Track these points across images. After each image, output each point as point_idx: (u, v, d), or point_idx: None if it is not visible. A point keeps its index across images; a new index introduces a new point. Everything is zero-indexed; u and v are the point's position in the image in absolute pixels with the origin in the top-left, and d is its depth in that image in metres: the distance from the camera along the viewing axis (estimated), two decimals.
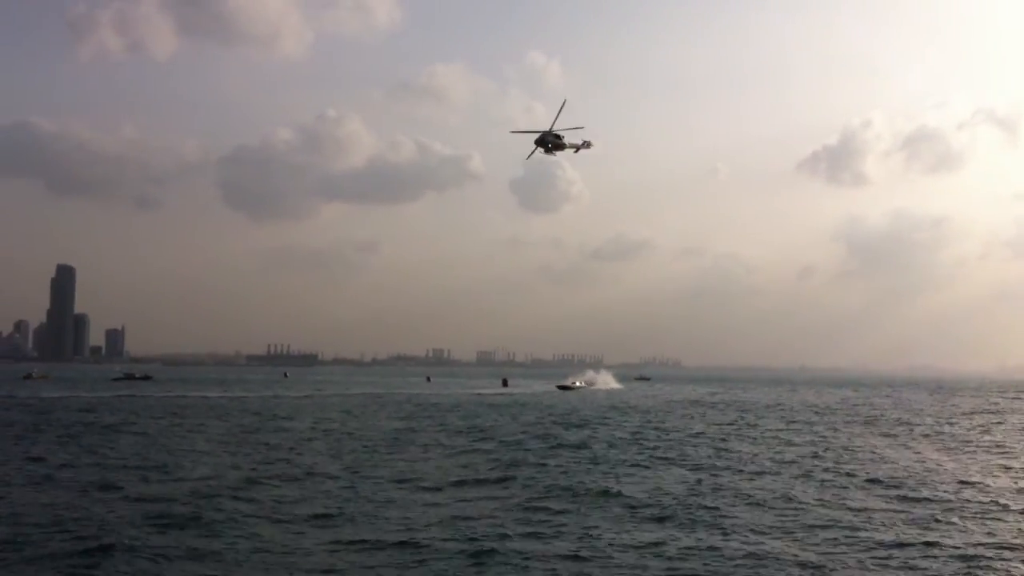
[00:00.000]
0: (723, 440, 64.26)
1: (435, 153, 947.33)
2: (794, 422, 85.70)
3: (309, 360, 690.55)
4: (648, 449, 56.66)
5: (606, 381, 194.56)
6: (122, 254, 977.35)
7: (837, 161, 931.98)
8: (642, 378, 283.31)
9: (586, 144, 65.44)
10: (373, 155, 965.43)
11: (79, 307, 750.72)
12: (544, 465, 46.60)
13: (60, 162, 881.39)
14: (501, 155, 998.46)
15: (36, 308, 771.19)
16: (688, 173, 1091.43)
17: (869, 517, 32.15)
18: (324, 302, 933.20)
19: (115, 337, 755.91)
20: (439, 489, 38.25)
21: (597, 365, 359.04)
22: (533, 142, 62.92)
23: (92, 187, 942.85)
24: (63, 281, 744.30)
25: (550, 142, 62.52)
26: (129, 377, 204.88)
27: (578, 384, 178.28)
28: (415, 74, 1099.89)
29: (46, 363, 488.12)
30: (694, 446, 59.39)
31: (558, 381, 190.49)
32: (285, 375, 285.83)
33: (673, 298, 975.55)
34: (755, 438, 66.85)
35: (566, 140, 63.46)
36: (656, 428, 75.68)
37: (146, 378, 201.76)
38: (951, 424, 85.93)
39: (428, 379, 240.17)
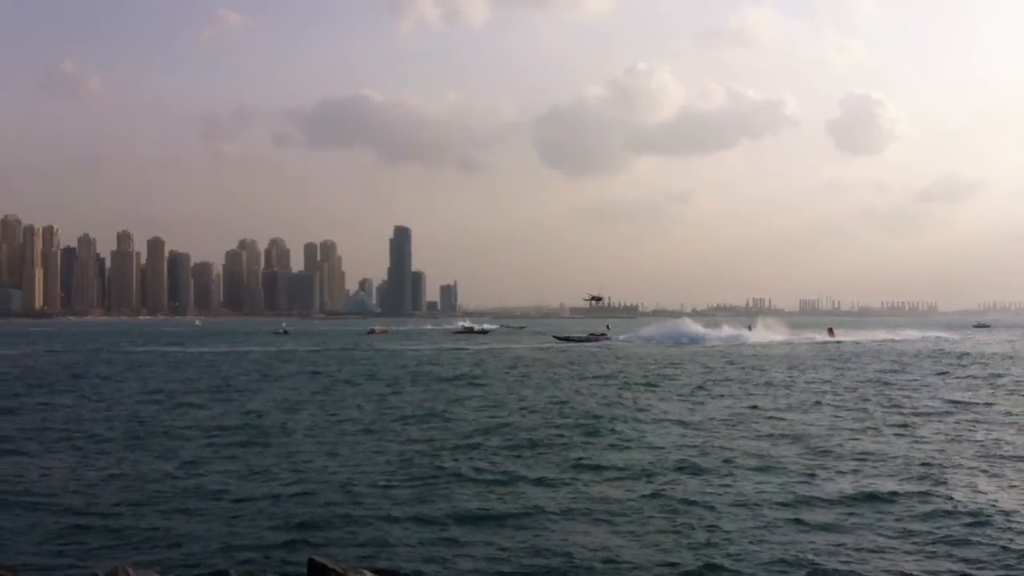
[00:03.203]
0: None
1: (747, 99, 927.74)
2: None
3: (630, 312, 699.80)
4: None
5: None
6: (451, 214, 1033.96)
7: None
8: (981, 325, 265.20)
9: None
10: (684, 105, 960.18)
11: (415, 265, 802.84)
12: None
13: (391, 130, 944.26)
14: (816, 97, 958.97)
15: (378, 267, 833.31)
16: None
17: None
18: (642, 254, 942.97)
19: (448, 292, 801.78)
20: None
21: (930, 312, 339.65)
22: None
23: (420, 152, 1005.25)
24: (400, 241, 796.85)
25: None
26: (468, 331, 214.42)
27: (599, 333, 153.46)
28: (723, 19, 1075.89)
29: (388, 318, 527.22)
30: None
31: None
32: (607, 327, 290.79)
33: (1014, 240, 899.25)
34: None
35: None
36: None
37: (483, 331, 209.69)
38: None
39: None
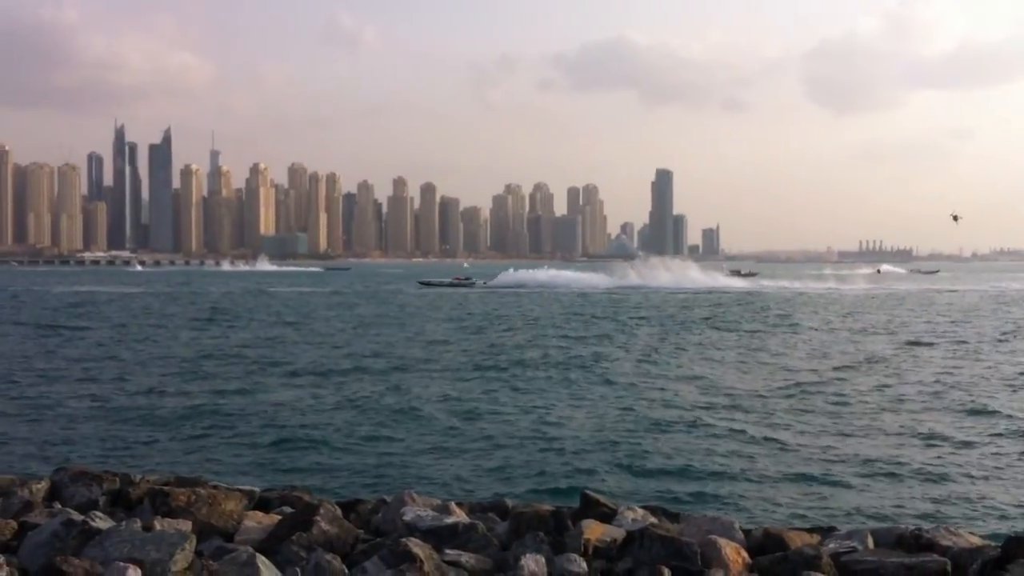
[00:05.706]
0: None
1: None
2: None
3: (903, 256, 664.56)
4: None
5: None
6: (713, 156, 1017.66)
7: None
8: None
9: None
10: (965, 35, 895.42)
11: (677, 208, 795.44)
12: None
13: (653, 71, 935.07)
14: None
15: (640, 210, 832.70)
16: None
17: None
18: (916, 194, 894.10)
19: (711, 236, 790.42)
20: None
21: None
22: None
23: (683, 93, 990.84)
24: (662, 184, 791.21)
25: None
26: (736, 274, 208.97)
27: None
28: None
29: None
30: None
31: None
32: (878, 271, 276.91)
33: None
34: None
35: None
36: None
37: (751, 275, 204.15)
38: None
39: None
